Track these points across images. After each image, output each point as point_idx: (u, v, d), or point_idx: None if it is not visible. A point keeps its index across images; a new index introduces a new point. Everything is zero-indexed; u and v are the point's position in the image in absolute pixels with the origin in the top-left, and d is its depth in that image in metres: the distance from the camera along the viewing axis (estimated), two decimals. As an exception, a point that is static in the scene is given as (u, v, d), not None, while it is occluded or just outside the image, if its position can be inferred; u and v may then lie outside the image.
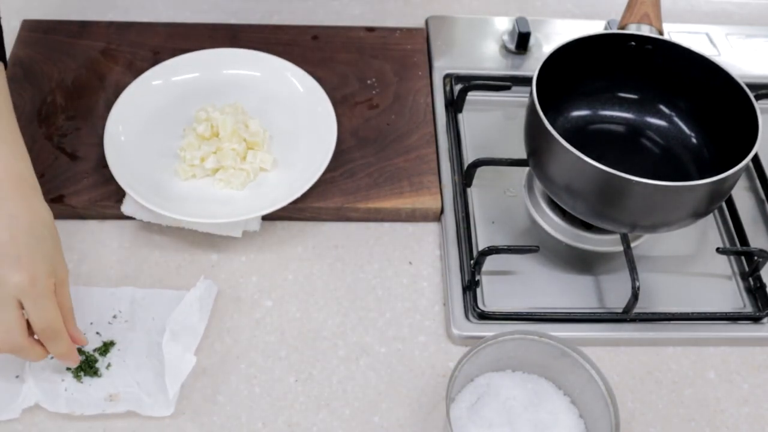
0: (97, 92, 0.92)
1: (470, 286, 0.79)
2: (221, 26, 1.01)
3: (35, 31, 0.99)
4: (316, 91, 0.90)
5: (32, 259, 0.64)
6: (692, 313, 0.79)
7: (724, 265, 0.84)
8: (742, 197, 0.90)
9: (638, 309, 0.77)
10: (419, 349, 0.77)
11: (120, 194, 0.82)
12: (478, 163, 0.86)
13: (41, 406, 0.69)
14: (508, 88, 0.95)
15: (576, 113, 0.88)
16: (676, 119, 0.86)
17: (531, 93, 0.76)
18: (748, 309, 0.80)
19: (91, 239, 0.83)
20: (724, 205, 0.88)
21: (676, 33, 1.04)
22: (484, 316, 0.77)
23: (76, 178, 0.84)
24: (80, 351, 0.71)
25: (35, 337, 0.67)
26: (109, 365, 0.72)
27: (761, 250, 0.80)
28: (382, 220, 0.86)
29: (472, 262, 0.80)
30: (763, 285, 0.81)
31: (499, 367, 0.72)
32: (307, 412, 0.72)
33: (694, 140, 0.85)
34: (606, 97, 0.88)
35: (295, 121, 0.89)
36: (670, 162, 0.85)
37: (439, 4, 1.09)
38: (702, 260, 0.84)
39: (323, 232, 0.85)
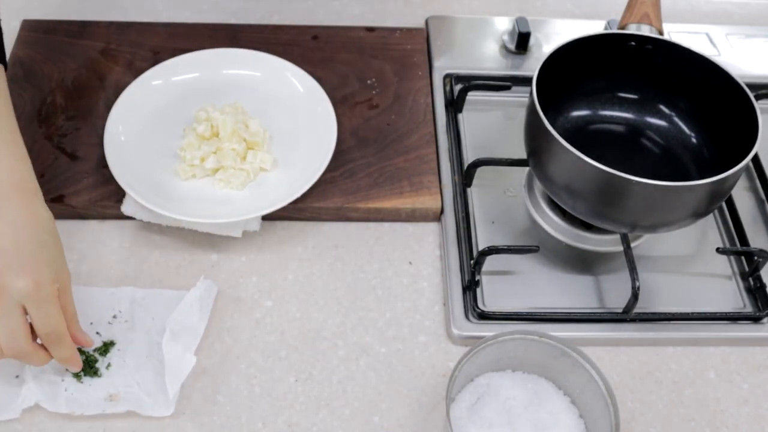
0: (97, 92, 0.93)
1: (470, 286, 0.79)
2: (221, 26, 1.01)
3: (35, 31, 0.99)
4: (316, 91, 0.90)
5: (36, 265, 0.65)
6: (692, 313, 0.79)
7: (724, 265, 0.84)
8: (742, 197, 0.90)
9: (638, 309, 0.77)
10: (419, 349, 0.77)
11: (120, 194, 0.82)
12: (478, 163, 0.86)
13: (41, 406, 0.69)
14: (508, 88, 0.95)
15: (576, 113, 0.88)
16: (676, 119, 0.86)
17: (531, 93, 0.76)
18: (748, 309, 0.80)
19: (91, 239, 0.83)
20: (724, 205, 0.88)
21: (676, 33, 1.04)
22: (484, 316, 0.77)
23: (76, 178, 0.84)
24: (80, 351, 0.71)
25: (38, 341, 0.67)
26: (109, 365, 0.72)
27: (761, 250, 0.80)
28: (382, 220, 0.86)
29: (472, 262, 0.80)
30: (763, 285, 0.81)
31: (499, 367, 0.72)
32: (307, 412, 0.72)
33: (694, 140, 0.85)
34: (606, 97, 0.88)
35: (295, 121, 0.89)
36: (670, 162, 0.85)
37: (439, 4, 1.09)
38: (702, 260, 0.84)
39: (323, 232, 0.85)
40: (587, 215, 0.77)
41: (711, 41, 1.05)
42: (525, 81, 0.85)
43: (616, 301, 0.79)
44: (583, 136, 0.86)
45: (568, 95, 0.86)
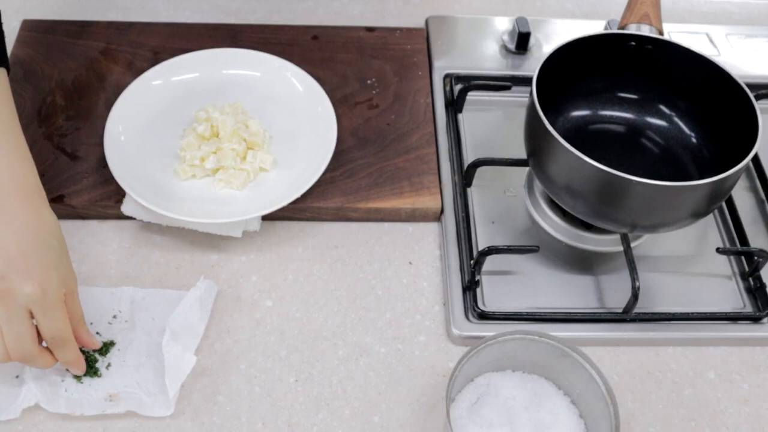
0: (97, 92, 0.93)
1: (470, 286, 0.79)
2: (221, 26, 1.01)
3: (35, 31, 0.99)
4: (316, 91, 0.90)
5: (43, 270, 0.65)
6: (692, 313, 0.79)
7: (724, 265, 0.84)
8: (742, 197, 0.90)
9: (638, 309, 0.77)
10: (419, 349, 0.77)
11: (120, 194, 0.82)
12: (478, 163, 0.86)
13: (41, 407, 0.69)
14: (508, 88, 0.95)
15: (576, 113, 0.88)
16: (676, 119, 0.86)
17: (531, 93, 0.76)
18: (748, 309, 0.80)
19: (91, 239, 0.83)
20: (724, 205, 0.88)
21: (676, 33, 1.04)
22: (484, 316, 0.77)
23: (76, 178, 0.84)
24: (80, 351, 0.71)
25: (43, 344, 0.67)
26: (109, 365, 0.72)
27: (761, 250, 0.80)
28: (382, 220, 0.86)
29: (472, 262, 0.80)
30: (763, 285, 0.81)
31: (499, 367, 0.72)
32: (307, 412, 0.72)
33: (694, 140, 0.85)
34: (606, 97, 0.88)
35: (295, 121, 0.89)
36: (670, 162, 0.85)
37: (439, 4, 1.09)
38: (702, 260, 0.84)
39: (323, 232, 0.85)
40: (587, 215, 0.77)
41: (711, 41, 1.05)
42: (525, 81, 0.85)
43: (616, 301, 0.80)
44: (583, 136, 0.86)
45: (568, 95, 0.86)
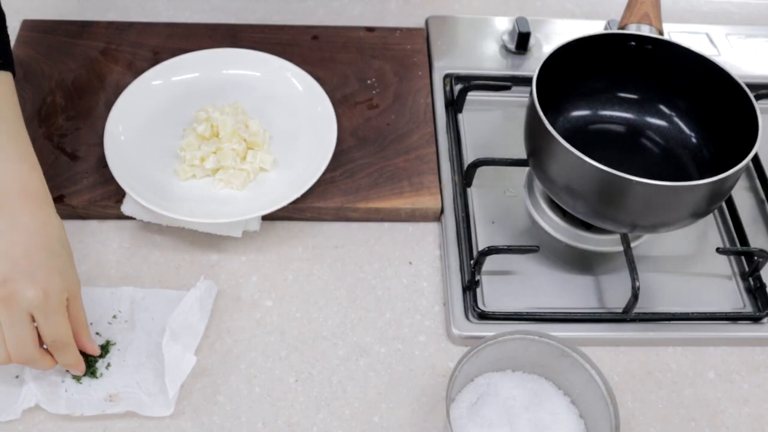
0: (97, 92, 0.93)
1: (470, 286, 0.79)
2: (221, 26, 1.01)
3: (35, 31, 0.99)
4: (316, 91, 0.90)
5: (46, 275, 0.65)
6: (692, 313, 0.79)
7: (724, 265, 0.84)
8: (742, 197, 0.90)
9: (638, 309, 0.77)
10: (419, 349, 0.77)
11: (120, 194, 0.82)
12: (478, 163, 0.86)
13: (41, 407, 0.69)
14: (508, 88, 0.95)
15: (576, 113, 0.88)
16: (676, 119, 0.86)
17: (531, 93, 0.76)
18: (748, 309, 0.80)
19: (91, 239, 0.83)
20: (724, 205, 0.88)
21: (676, 33, 1.04)
22: (484, 316, 0.77)
23: (76, 178, 0.84)
24: (80, 351, 0.72)
25: (44, 346, 0.67)
26: (108, 365, 0.72)
27: (761, 250, 0.80)
28: (382, 220, 0.86)
29: (472, 262, 0.80)
30: (763, 285, 0.81)
31: (499, 367, 0.72)
32: (307, 412, 0.72)
33: (694, 140, 0.85)
34: (606, 97, 0.88)
35: (295, 121, 0.89)
36: (670, 162, 0.85)
37: (439, 4, 1.09)
38: (702, 260, 0.84)
39: (323, 232, 0.85)
40: (587, 215, 0.77)
41: (711, 41, 1.05)
42: (525, 81, 0.85)
43: (616, 301, 0.80)
44: (583, 136, 0.86)
45: (568, 95, 0.86)
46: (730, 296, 0.81)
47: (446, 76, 0.98)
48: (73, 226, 0.83)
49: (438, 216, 0.86)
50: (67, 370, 0.71)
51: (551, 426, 0.68)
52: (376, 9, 1.07)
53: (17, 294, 0.63)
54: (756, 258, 0.81)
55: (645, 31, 0.82)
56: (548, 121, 0.73)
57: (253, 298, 0.79)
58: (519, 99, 0.96)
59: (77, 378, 0.71)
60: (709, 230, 0.87)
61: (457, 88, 0.96)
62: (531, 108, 0.76)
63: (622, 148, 0.86)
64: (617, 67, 0.84)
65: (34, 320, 0.65)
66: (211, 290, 0.78)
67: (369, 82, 0.96)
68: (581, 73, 0.84)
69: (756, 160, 0.92)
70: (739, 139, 0.75)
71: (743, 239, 0.85)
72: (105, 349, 0.73)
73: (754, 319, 0.79)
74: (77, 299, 0.69)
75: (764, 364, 0.78)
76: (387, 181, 0.86)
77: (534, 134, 0.78)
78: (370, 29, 1.02)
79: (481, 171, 0.87)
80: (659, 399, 0.75)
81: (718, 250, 0.83)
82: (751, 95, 0.76)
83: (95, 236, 0.83)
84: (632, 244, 0.81)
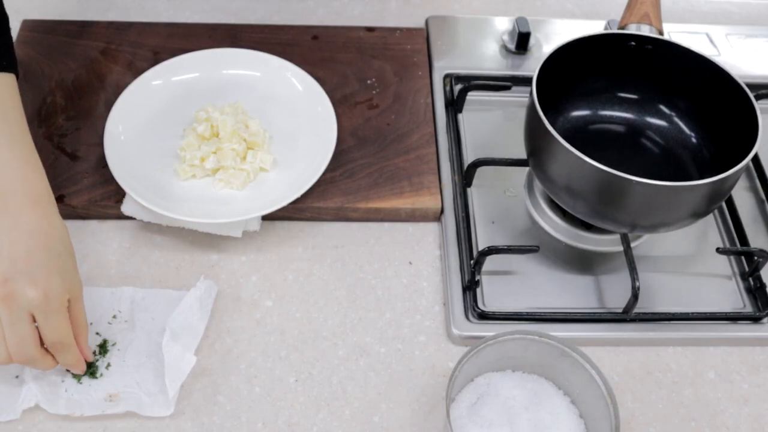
0: (97, 92, 0.93)
1: (470, 286, 0.79)
2: (221, 26, 1.01)
3: (35, 31, 0.99)
4: (316, 91, 0.90)
5: (47, 275, 0.65)
6: (692, 313, 0.79)
7: (724, 265, 0.84)
8: (742, 197, 0.90)
9: (638, 309, 0.77)
10: (419, 349, 0.77)
11: (120, 194, 0.82)
12: (478, 163, 0.86)
13: (41, 407, 0.69)
14: (508, 88, 0.95)
15: (576, 113, 0.88)
16: (676, 119, 0.86)
17: (531, 93, 0.76)
18: (748, 309, 0.80)
19: (91, 239, 0.83)
20: (724, 205, 0.88)
21: (676, 33, 1.04)
22: (484, 316, 0.77)
23: (76, 178, 0.84)
24: (80, 351, 0.72)
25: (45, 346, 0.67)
26: (108, 365, 0.72)
27: (761, 250, 0.80)
28: (382, 220, 0.86)
29: (472, 262, 0.80)
30: (763, 285, 0.81)
31: (499, 367, 0.72)
32: (307, 412, 0.72)
33: (694, 140, 0.85)
34: (606, 97, 0.88)
35: (295, 121, 0.89)
36: (670, 162, 0.85)
37: (439, 4, 1.09)
38: (702, 260, 0.84)
39: (323, 232, 0.85)
40: (587, 215, 0.77)
41: (711, 41, 1.05)
42: (525, 81, 0.85)
43: (616, 301, 0.80)
44: (583, 136, 0.86)
45: (568, 95, 0.86)
46: (730, 296, 0.81)
47: (446, 76, 0.98)
48: (73, 226, 0.82)
49: (438, 216, 0.86)
50: (68, 370, 0.71)
51: (551, 426, 0.68)
52: (376, 9, 1.07)
53: (18, 293, 0.63)
54: (756, 258, 0.81)
55: (645, 31, 0.82)
56: (548, 121, 0.73)
57: (253, 298, 0.79)
58: (519, 99, 0.96)
59: (77, 378, 0.71)
60: (709, 230, 0.87)
61: (457, 88, 0.96)
62: (531, 108, 0.76)
63: (622, 148, 0.86)
64: (617, 67, 0.84)
65: (34, 320, 0.65)
66: (211, 290, 0.78)
67: (369, 82, 0.96)
68: (581, 73, 0.84)
69: (756, 160, 0.92)
70: (739, 139, 0.75)
71: (743, 239, 0.85)
72: (105, 348, 0.73)
73: (754, 319, 0.79)
74: (78, 301, 0.69)
75: (764, 364, 0.78)
76: (387, 181, 0.86)
77: (534, 134, 0.78)
78: (370, 29, 1.02)
79: (481, 171, 0.87)
80: (659, 399, 0.75)
81: (718, 250, 0.83)
82: (751, 95, 0.76)
83: (95, 236, 0.83)
84: (632, 244, 0.81)
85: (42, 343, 0.67)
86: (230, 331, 0.77)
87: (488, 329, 0.75)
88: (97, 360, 0.72)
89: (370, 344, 0.77)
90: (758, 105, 0.75)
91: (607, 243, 0.82)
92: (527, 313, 0.78)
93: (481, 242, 0.83)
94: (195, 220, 0.79)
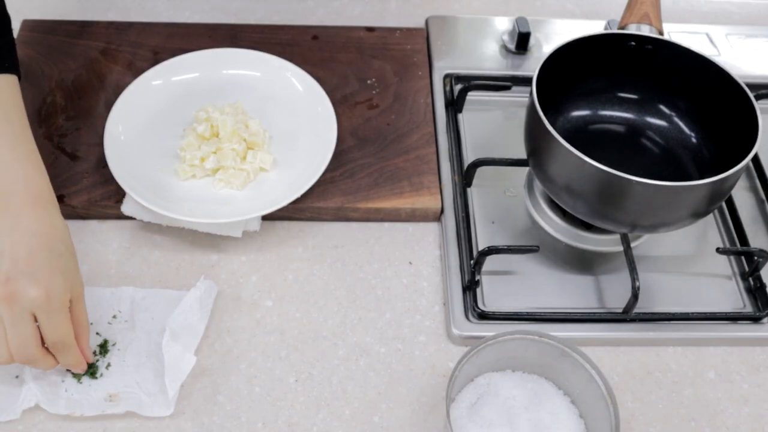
0: (97, 92, 0.93)
1: (470, 286, 0.79)
2: (221, 26, 1.01)
3: (35, 31, 0.99)
4: (316, 91, 0.90)
5: (49, 275, 0.65)
6: (692, 313, 0.79)
7: (724, 265, 0.84)
8: (742, 197, 0.90)
9: (638, 309, 0.77)
10: (419, 349, 0.77)
11: (120, 194, 0.82)
12: (478, 163, 0.86)
13: (41, 407, 0.69)
14: (508, 88, 0.95)
15: (576, 113, 0.88)
16: (676, 119, 0.86)
17: (531, 93, 0.76)
18: (748, 309, 0.80)
19: (91, 239, 0.83)
20: (724, 205, 0.88)
21: (676, 33, 1.04)
22: (484, 316, 0.77)
23: (76, 178, 0.84)
24: (80, 351, 0.72)
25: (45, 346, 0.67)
26: (108, 365, 0.72)
27: (761, 250, 0.80)
28: (382, 220, 0.86)
29: (472, 262, 0.80)
30: (763, 285, 0.81)
31: (499, 367, 0.72)
32: (307, 412, 0.72)
33: (694, 140, 0.85)
34: (606, 97, 0.88)
35: (295, 121, 0.89)
36: (670, 162, 0.85)
37: (439, 4, 1.09)
38: (702, 260, 0.84)
39: (323, 232, 0.85)
40: (587, 215, 0.77)
41: (711, 41, 1.05)
42: (525, 81, 0.85)
43: (616, 301, 0.80)
44: (583, 136, 0.86)
45: (568, 95, 0.86)
46: (730, 296, 0.81)
47: (446, 76, 0.98)
48: (73, 226, 0.82)
49: (438, 216, 0.86)
50: (68, 370, 0.71)
51: (551, 426, 0.68)
52: (376, 9, 1.07)
53: (20, 293, 0.63)
54: (756, 258, 0.81)
55: (645, 31, 0.82)
56: (548, 121, 0.73)
57: (253, 298, 0.79)
58: (519, 99, 0.95)
59: (77, 378, 0.71)
60: (709, 230, 0.87)
61: (457, 88, 0.96)
62: (531, 108, 0.76)
63: (622, 148, 0.86)
64: (617, 67, 0.84)
65: (36, 320, 0.65)
66: (211, 290, 0.78)
67: (369, 82, 0.96)
68: (581, 73, 0.84)
69: (756, 160, 0.92)
70: (739, 139, 0.75)
71: (743, 239, 0.85)
72: (105, 348, 0.73)
73: (754, 319, 0.79)
74: (80, 300, 0.69)
75: (764, 364, 0.78)
76: (387, 181, 0.86)
77: (534, 134, 0.78)
78: (370, 29, 1.02)
79: (481, 171, 0.87)
80: (659, 399, 0.75)
81: (718, 250, 0.83)
82: (751, 95, 0.76)
83: (95, 236, 0.83)
84: (632, 244, 0.81)
85: (43, 343, 0.67)
86: (230, 331, 0.77)
87: (488, 329, 0.75)
88: (97, 360, 0.72)
89: (370, 344, 0.77)
90: (758, 105, 0.75)
91: (607, 243, 0.82)
92: (527, 313, 0.78)
93: (481, 242, 0.83)
94: (195, 220, 0.79)
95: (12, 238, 0.65)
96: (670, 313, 0.79)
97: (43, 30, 0.99)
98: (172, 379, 0.70)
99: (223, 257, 0.82)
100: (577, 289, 0.81)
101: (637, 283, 0.76)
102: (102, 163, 0.83)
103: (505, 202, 0.87)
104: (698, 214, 0.75)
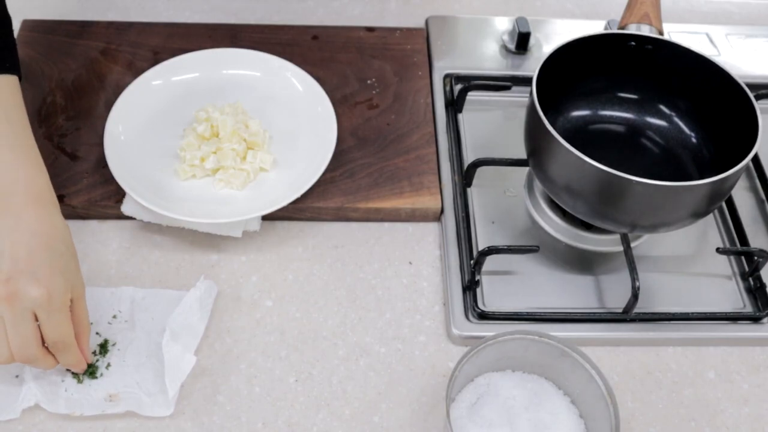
0: (97, 92, 0.93)
1: (470, 286, 0.79)
2: (221, 26, 1.01)
3: (35, 31, 0.99)
4: (316, 91, 0.90)
5: (49, 275, 0.65)
6: (692, 313, 0.79)
7: (724, 265, 0.84)
8: (742, 197, 0.90)
9: (638, 309, 0.77)
10: (419, 349, 0.77)
11: (120, 194, 0.82)
12: (478, 163, 0.86)
13: (41, 407, 0.69)
14: (508, 88, 0.95)
15: (576, 113, 0.88)
16: (676, 119, 0.86)
17: (531, 93, 0.76)
18: (748, 309, 0.80)
19: (91, 239, 0.83)
20: (724, 205, 0.88)
21: (676, 33, 1.04)
22: (484, 316, 0.77)
23: (76, 178, 0.84)
24: (80, 351, 0.72)
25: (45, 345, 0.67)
26: (108, 365, 0.72)
27: (761, 250, 0.80)
28: (382, 220, 0.86)
29: (472, 262, 0.80)
30: (763, 285, 0.81)
31: (499, 367, 0.72)
32: (307, 412, 0.72)
33: (694, 140, 0.85)
34: (606, 97, 0.88)
35: (295, 121, 0.89)
36: (670, 162, 0.85)
37: (439, 4, 1.09)
38: (702, 260, 0.84)
39: (323, 232, 0.85)
40: (587, 215, 0.77)
41: (711, 41, 1.05)
42: (525, 81, 0.85)
43: (616, 301, 0.80)
44: (583, 136, 0.86)
45: (568, 95, 0.86)
46: (730, 296, 0.81)
47: (446, 76, 0.98)
48: (73, 226, 0.82)
49: (438, 216, 0.86)
50: (68, 369, 0.71)
51: (551, 426, 0.68)
52: (376, 9, 1.08)
53: (21, 293, 0.64)
54: (756, 258, 0.81)
55: (645, 31, 0.82)
56: (548, 121, 0.73)
57: (253, 298, 0.79)
58: (519, 99, 0.95)
59: (77, 378, 0.71)
60: (709, 230, 0.87)
61: (457, 88, 0.96)
62: (531, 108, 0.76)
63: (622, 148, 0.86)
64: (617, 67, 0.84)
65: (36, 319, 0.65)
66: (211, 290, 0.78)
67: (369, 82, 0.96)
68: (581, 73, 0.84)
69: (756, 160, 0.92)
70: (739, 139, 0.75)
71: (743, 239, 0.85)
72: (105, 348, 0.73)
73: (754, 319, 0.79)
74: (81, 300, 0.69)
75: (764, 364, 0.78)
76: (387, 181, 0.86)
77: (534, 134, 0.78)
78: (370, 29, 1.02)
79: (481, 171, 0.87)
80: (659, 399, 0.75)
81: (718, 250, 0.83)
82: (751, 95, 0.76)
83: (95, 236, 0.83)
84: (632, 244, 0.81)
85: (43, 343, 0.67)
86: (230, 331, 0.77)
87: (488, 329, 0.75)
88: (97, 360, 0.72)
89: (370, 344, 0.77)
90: (758, 105, 0.75)
91: (607, 243, 0.82)
92: (527, 313, 0.78)
93: (481, 242, 0.83)
94: (195, 220, 0.79)
95: (12, 238, 0.65)
96: (670, 313, 0.79)
97: (43, 30, 0.99)
98: (172, 379, 0.70)
99: (223, 257, 0.82)
100: (577, 289, 0.81)
101: (637, 283, 0.76)
102: (102, 163, 0.83)
103: (505, 202, 0.87)
104: (698, 214, 0.75)
